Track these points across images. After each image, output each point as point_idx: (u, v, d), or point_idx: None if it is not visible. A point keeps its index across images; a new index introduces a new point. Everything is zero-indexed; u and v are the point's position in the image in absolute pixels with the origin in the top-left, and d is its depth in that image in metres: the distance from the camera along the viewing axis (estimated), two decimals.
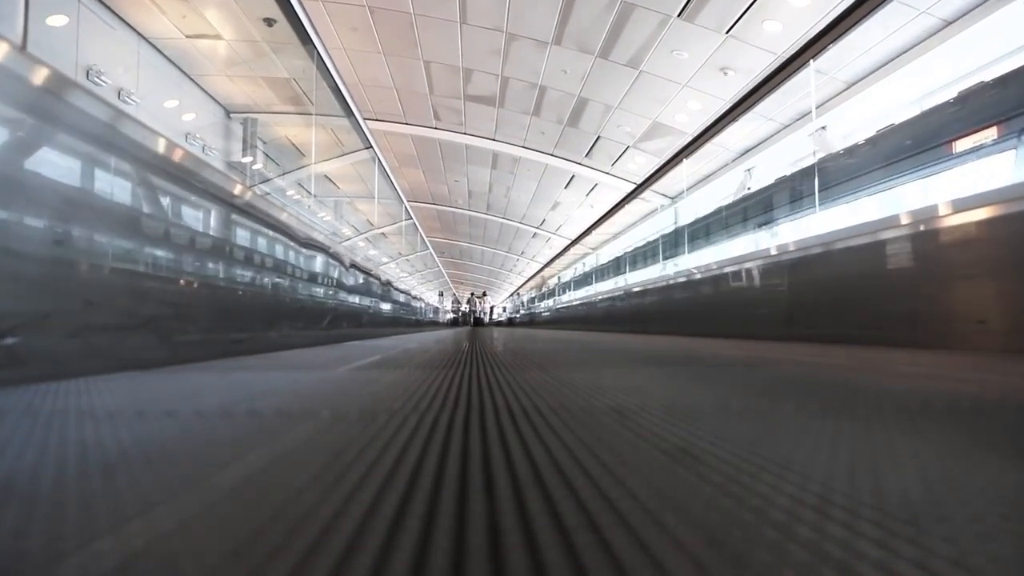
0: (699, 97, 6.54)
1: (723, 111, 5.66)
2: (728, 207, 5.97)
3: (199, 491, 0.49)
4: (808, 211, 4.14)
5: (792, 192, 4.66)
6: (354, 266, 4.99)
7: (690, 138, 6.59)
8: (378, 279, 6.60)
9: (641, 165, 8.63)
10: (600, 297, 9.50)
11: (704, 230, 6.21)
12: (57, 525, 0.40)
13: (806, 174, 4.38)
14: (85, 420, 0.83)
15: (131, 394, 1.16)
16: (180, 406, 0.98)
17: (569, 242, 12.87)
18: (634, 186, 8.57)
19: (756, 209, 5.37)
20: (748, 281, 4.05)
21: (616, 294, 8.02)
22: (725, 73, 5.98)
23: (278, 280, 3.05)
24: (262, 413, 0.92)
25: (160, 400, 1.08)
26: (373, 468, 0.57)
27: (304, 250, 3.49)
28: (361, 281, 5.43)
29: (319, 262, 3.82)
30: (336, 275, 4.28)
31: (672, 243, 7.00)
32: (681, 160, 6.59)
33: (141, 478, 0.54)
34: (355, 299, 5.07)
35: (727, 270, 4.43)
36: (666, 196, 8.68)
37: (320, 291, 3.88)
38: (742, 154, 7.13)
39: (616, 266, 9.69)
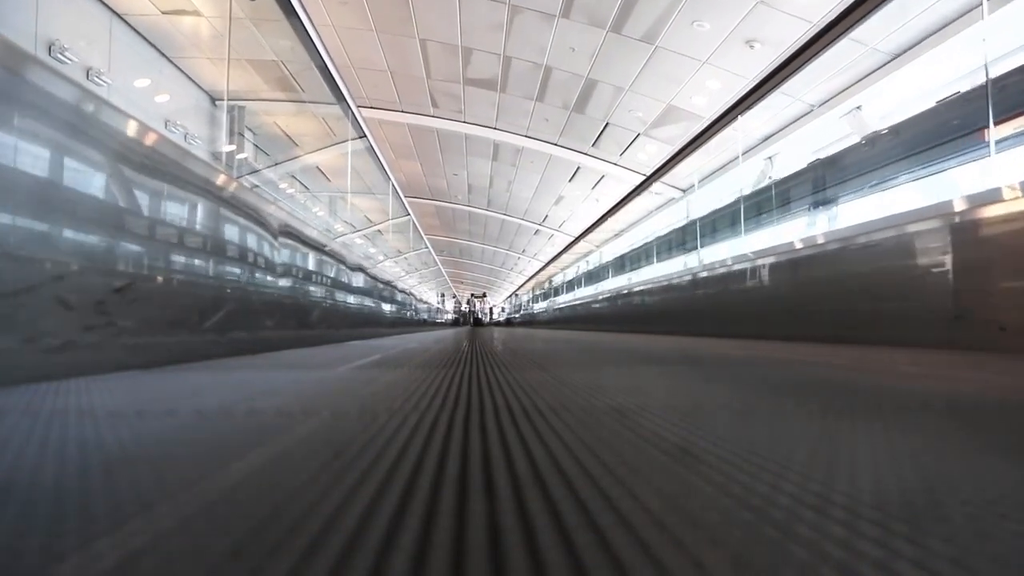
0: (720, 76, 6.32)
1: (748, 89, 5.40)
2: (783, 181, 5.17)
3: (199, 490, 0.52)
4: (961, 155, 3.15)
5: (895, 149, 3.72)
6: (289, 234, 3.39)
7: (708, 122, 6.49)
8: (343, 262, 5.01)
9: (652, 155, 8.54)
10: (603, 296, 9.51)
11: (777, 198, 5.18)
12: (57, 525, 0.43)
13: (948, 109, 3.31)
14: (85, 419, 0.87)
15: (131, 393, 1.20)
16: (180, 405, 1.03)
17: (572, 239, 12.91)
18: (643, 177, 8.54)
19: (837, 175, 4.33)
20: (865, 263, 3.08)
21: (630, 290, 8.01)
22: (751, 46, 5.67)
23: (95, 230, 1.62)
24: (262, 411, 0.97)
25: (160, 399, 1.12)
26: (373, 467, 0.60)
27: (152, 180, 1.95)
28: (311, 261, 3.93)
29: (202, 210, 2.32)
30: (251, 243, 2.84)
31: (716, 224, 6.20)
32: (698, 147, 6.48)
33: (141, 477, 0.56)
34: (297, 285, 3.59)
35: (819, 250, 3.47)
36: (677, 188, 8.66)
37: (205, 263, 2.34)
38: (763, 140, 7.07)
39: (626, 262, 9.70)
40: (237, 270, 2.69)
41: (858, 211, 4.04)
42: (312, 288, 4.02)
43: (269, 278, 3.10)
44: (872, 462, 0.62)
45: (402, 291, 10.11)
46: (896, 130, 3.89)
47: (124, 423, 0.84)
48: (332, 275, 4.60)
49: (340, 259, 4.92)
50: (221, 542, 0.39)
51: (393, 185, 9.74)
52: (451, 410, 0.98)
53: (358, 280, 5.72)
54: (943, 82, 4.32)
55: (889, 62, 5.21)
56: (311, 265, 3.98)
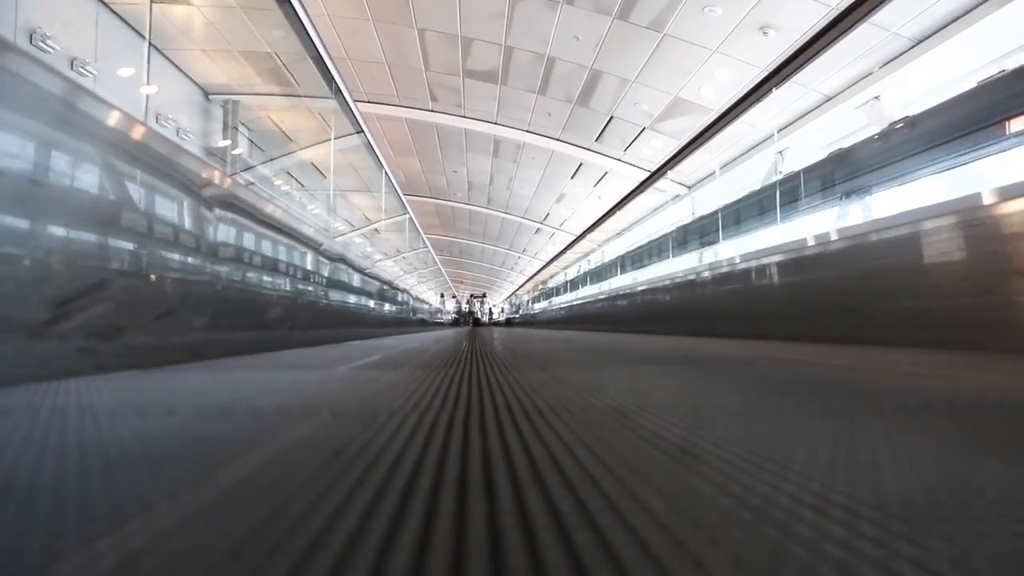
0: (730, 65, 6.21)
1: (760, 79, 5.26)
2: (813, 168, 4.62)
3: (199, 489, 0.53)
4: None
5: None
6: (232, 206, 2.67)
7: (717, 114, 6.43)
8: (318, 250, 4.15)
9: (657, 150, 8.50)
10: (604, 296, 9.49)
11: (806, 186, 4.54)
12: (57, 524, 0.44)
13: None
14: (85, 418, 0.89)
15: (131, 393, 1.24)
16: (180, 404, 1.06)
17: (574, 238, 12.96)
18: (648, 174, 8.53)
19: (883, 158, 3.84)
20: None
21: (630, 291, 8.00)
22: (765, 33, 5.51)
23: None
24: (262, 411, 1.00)
25: (160, 399, 1.15)
26: (373, 467, 0.61)
27: None
28: (269, 244, 3.18)
29: (66, 149, 1.62)
30: (165, 211, 2.11)
31: (731, 219, 5.81)
32: (708, 139, 6.38)
33: (141, 477, 0.58)
34: (245, 273, 2.83)
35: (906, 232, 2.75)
36: (683, 184, 8.65)
37: (67, 231, 1.62)
38: (773, 134, 7.02)
39: (627, 261, 9.70)
40: (134, 246, 1.89)
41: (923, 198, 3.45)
42: (271, 278, 3.26)
43: (199, 262, 2.30)
44: (871, 462, 0.63)
45: (395, 288, 9.45)
46: (965, 99, 3.34)
47: (124, 422, 0.86)
48: (303, 264, 3.84)
49: (313, 245, 4.08)
50: (221, 542, 0.41)
51: (392, 182, 9.76)
52: (451, 410, 1.01)
53: (341, 273, 4.91)
54: (971, 68, 4.12)
55: (912, 48, 5.01)
56: (270, 250, 3.24)
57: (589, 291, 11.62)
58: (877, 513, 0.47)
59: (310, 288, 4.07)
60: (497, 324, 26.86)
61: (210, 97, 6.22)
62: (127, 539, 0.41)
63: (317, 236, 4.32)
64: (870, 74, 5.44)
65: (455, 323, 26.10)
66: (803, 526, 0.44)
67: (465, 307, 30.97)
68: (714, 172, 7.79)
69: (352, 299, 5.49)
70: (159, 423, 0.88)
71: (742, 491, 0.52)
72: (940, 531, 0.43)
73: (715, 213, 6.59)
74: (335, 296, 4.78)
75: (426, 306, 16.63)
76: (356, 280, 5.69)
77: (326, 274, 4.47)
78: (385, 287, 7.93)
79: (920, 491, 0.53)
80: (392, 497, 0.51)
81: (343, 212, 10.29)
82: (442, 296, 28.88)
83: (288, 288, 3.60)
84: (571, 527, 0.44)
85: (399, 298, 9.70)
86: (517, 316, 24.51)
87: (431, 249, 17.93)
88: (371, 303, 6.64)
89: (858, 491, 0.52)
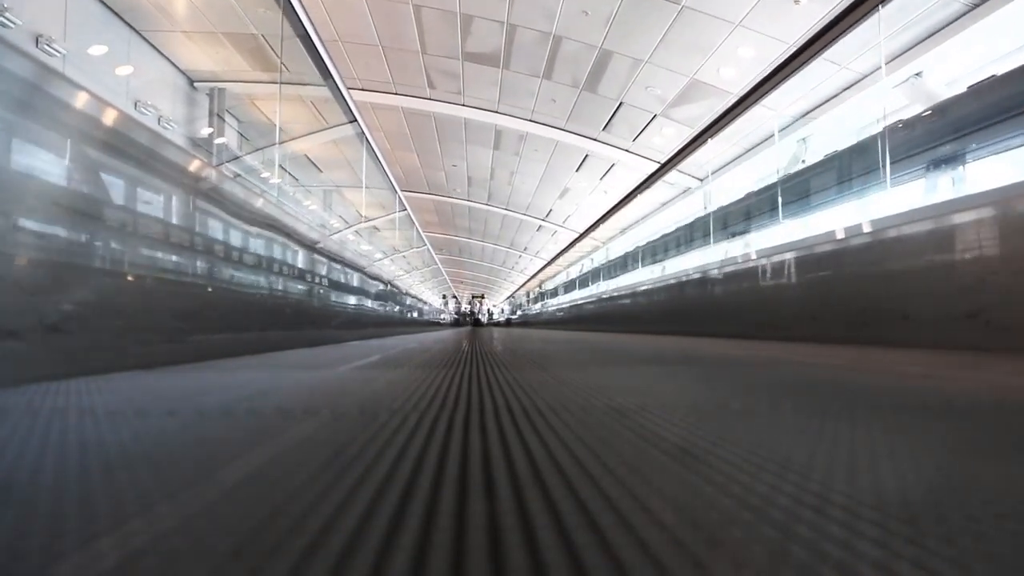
0: (754, 41, 5.95)
1: (789, 54, 4.79)
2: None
3: (199, 489, 0.56)
4: None
5: None
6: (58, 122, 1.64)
7: (736, 98, 6.11)
8: (241, 215, 2.95)
9: (668, 139, 8.32)
10: (606, 296, 9.46)
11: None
12: (57, 524, 0.46)
13: None
14: (85, 419, 0.93)
15: (131, 392, 1.28)
16: (181, 403, 1.10)
17: (577, 235, 12.95)
18: (658, 165, 8.45)
19: None
20: None
21: (633, 290, 7.96)
22: (796, 1, 5.27)
23: None
24: (262, 410, 1.04)
25: (161, 398, 1.20)
26: (373, 467, 0.64)
27: None
28: (140, 193, 2.05)
29: None
30: None
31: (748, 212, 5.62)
32: (727, 123, 5.96)
33: (142, 477, 0.61)
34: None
35: None
36: (694, 177, 8.60)
37: None
38: (796, 119, 6.89)
39: (629, 260, 9.67)
40: None
41: None
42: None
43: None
44: (870, 462, 0.66)
45: (386, 283, 8.82)
46: None
47: (124, 422, 0.90)
48: (221, 237, 2.73)
49: (235, 208, 2.87)
50: (222, 542, 0.43)
51: (389, 178, 9.76)
52: (451, 410, 1.04)
53: (275, 246, 3.57)
54: None
55: (967, 13, 4.61)
56: (151, 205, 2.13)
57: (591, 291, 11.67)
58: (876, 513, 0.49)
59: (234, 272, 2.88)
60: (497, 324, 27.28)
61: (195, 85, 6.25)
62: (127, 539, 0.43)
63: (240, 195, 2.89)
64: (912, 48, 4.99)
65: (456, 323, 26.61)
66: (803, 526, 0.46)
67: (465, 307, 31.60)
68: (726, 165, 7.73)
69: (317, 293, 4.46)
70: (159, 422, 0.92)
71: (742, 491, 0.55)
72: (939, 531, 0.45)
73: (722, 210, 6.40)
74: (284, 286, 3.70)
75: (426, 306, 16.71)
76: (316, 266, 4.48)
77: (238, 244, 3.06)
78: (369, 281, 7.19)
79: (919, 491, 0.55)
80: (392, 497, 0.53)
81: (340, 209, 10.30)
82: (444, 297, 29.54)
83: (198, 266, 2.39)
84: (571, 527, 0.46)
85: (391, 294, 9.34)
86: (516, 317, 24.98)
87: (430, 247, 18.01)
88: (350, 299, 5.71)
89: (857, 491, 0.55)
